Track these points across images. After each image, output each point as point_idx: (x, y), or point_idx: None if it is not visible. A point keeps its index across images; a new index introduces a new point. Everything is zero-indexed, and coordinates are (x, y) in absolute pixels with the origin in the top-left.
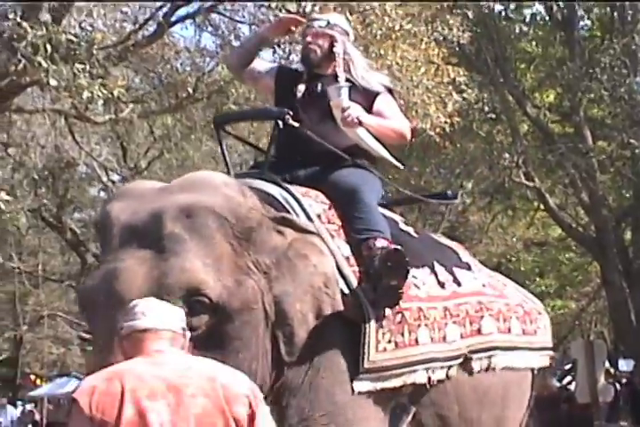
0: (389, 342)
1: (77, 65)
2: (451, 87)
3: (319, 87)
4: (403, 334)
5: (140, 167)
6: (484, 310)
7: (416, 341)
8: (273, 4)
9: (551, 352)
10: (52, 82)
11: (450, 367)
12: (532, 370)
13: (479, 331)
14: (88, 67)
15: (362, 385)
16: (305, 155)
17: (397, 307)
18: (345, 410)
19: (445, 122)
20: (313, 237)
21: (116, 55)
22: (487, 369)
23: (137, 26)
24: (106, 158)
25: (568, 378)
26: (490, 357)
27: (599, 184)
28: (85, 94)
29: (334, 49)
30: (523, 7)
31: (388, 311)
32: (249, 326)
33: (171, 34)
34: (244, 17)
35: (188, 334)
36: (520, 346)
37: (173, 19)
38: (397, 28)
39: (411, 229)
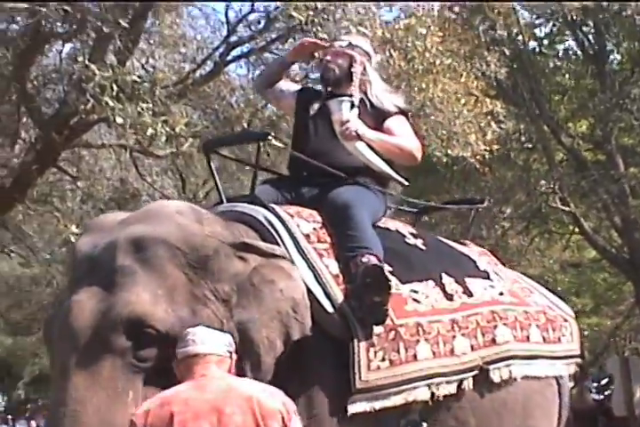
0: (383, 360)
1: (141, 104)
2: (489, 118)
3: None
4: (398, 351)
5: (198, 197)
6: (497, 319)
7: (414, 357)
8: None
9: (578, 360)
10: (118, 119)
11: (462, 381)
12: (558, 378)
13: (494, 341)
14: (151, 105)
15: (356, 407)
16: (309, 174)
17: (390, 324)
18: None
19: (485, 150)
20: (281, 262)
21: (176, 93)
22: (507, 379)
23: (195, 65)
24: (167, 189)
25: (606, 392)
26: (508, 366)
27: (631, 208)
28: (149, 131)
29: (352, 69)
30: (555, 43)
31: (379, 329)
32: None
33: (226, 72)
34: None
35: (235, 356)
36: (541, 354)
37: (229, 58)
38: (438, 63)
39: (419, 242)
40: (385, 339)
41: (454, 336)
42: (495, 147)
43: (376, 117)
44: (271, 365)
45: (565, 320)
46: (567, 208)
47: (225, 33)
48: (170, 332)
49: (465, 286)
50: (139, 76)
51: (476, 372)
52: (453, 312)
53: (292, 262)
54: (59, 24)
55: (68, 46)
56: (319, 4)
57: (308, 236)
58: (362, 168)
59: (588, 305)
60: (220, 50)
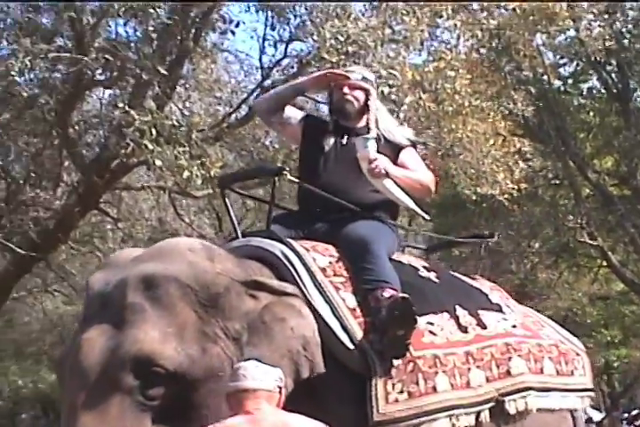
0: (401, 392)
1: (179, 147)
2: (517, 156)
3: (346, 140)
4: (417, 383)
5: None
6: (511, 351)
7: (434, 388)
8: None
9: (591, 393)
10: (157, 162)
11: (479, 413)
12: (572, 411)
13: (508, 373)
14: (188, 148)
15: None
16: (323, 209)
17: (408, 356)
18: None
19: (513, 188)
20: (292, 300)
21: (212, 136)
22: (523, 412)
23: (230, 109)
24: (204, 229)
25: (636, 422)
26: (524, 398)
27: None
28: (186, 173)
29: (369, 103)
30: (580, 82)
31: (397, 361)
32: (217, 394)
33: None
34: (325, 97)
35: (284, 391)
36: (555, 387)
37: None
38: (467, 104)
39: (432, 275)
40: (403, 371)
41: (469, 369)
42: (523, 185)
43: (390, 151)
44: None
45: (577, 354)
46: (595, 242)
47: (259, 77)
48: (178, 370)
49: (479, 318)
50: (176, 121)
51: (492, 404)
52: (468, 344)
53: (307, 298)
54: (99, 72)
55: (108, 92)
56: (350, 48)
57: (324, 269)
58: (378, 203)
59: (617, 337)
60: (255, 93)
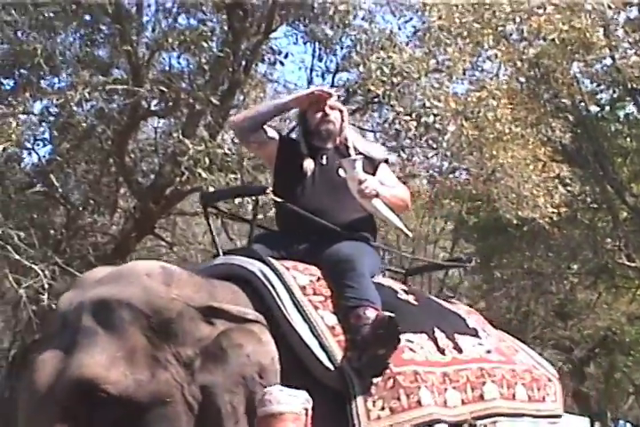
0: (382, 409)
1: (230, 174)
2: (556, 181)
3: (324, 160)
4: (399, 399)
5: None
6: (485, 376)
7: (419, 402)
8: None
9: (559, 420)
10: (210, 189)
11: None
12: None
13: (482, 397)
14: (239, 175)
15: None
16: (305, 229)
17: (388, 372)
18: None
19: (553, 212)
20: (252, 326)
21: (262, 164)
22: None
23: None
24: None
25: None
26: (494, 423)
27: None
28: (237, 199)
29: (343, 123)
30: (617, 108)
31: (376, 379)
32: (164, 420)
33: None
34: (372, 126)
35: (310, 412)
36: (526, 413)
37: None
38: (507, 131)
39: (410, 297)
40: (383, 388)
41: (446, 389)
42: (563, 209)
43: (368, 167)
44: None
45: (549, 380)
46: (632, 264)
47: None
48: (123, 395)
49: (455, 341)
50: (228, 149)
51: (466, 426)
52: (445, 366)
53: (285, 317)
54: (155, 102)
55: (162, 122)
56: (395, 79)
57: (304, 288)
58: (360, 224)
59: None
60: None
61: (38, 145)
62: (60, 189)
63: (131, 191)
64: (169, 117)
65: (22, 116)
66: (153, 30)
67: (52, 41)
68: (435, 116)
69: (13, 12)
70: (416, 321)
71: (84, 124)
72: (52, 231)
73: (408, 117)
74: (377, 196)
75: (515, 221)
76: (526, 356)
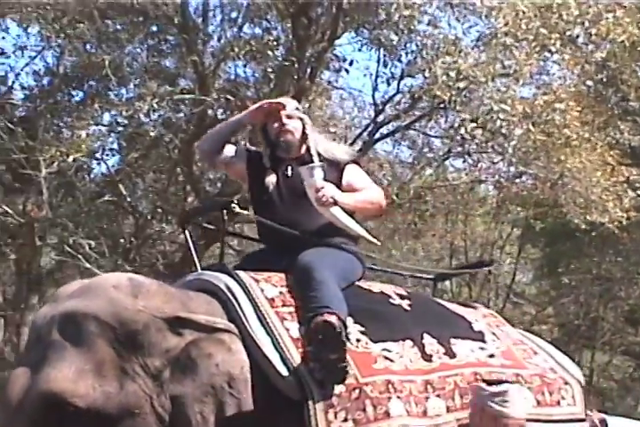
0: (345, 420)
1: None
2: (626, 185)
3: (289, 171)
4: (364, 410)
5: None
6: (479, 381)
7: (387, 413)
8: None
9: (582, 424)
10: None
11: None
12: None
13: None
14: None
15: None
16: (281, 242)
17: (354, 382)
18: None
19: (622, 216)
20: (222, 335)
21: None
22: None
23: (345, 144)
24: None
25: None
26: None
27: None
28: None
29: (306, 131)
30: None
31: (340, 389)
32: None
33: (373, 149)
34: (436, 132)
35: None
36: (533, 418)
37: (376, 136)
38: (575, 135)
39: (405, 302)
40: (347, 398)
41: (427, 397)
42: (632, 213)
43: (333, 169)
44: None
45: (566, 383)
46: None
47: (372, 113)
48: (91, 407)
49: (449, 347)
50: None
51: None
52: (430, 373)
53: (247, 331)
54: (220, 111)
55: None
56: (461, 84)
57: (272, 300)
58: (335, 230)
59: None
60: (369, 129)
61: (107, 155)
62: (128, 199)
63: (198, 200)
64: None
65: (91, 128)
66: (218, 40)
67: (119, 52)
68: (501, 120)
69: (81, 25)
70: (401, 328)
71: (152, 134)
72: (121, 240)
73: (474, 124)
74: (335, 203)
75: (583, 226)
76: (545, 359)
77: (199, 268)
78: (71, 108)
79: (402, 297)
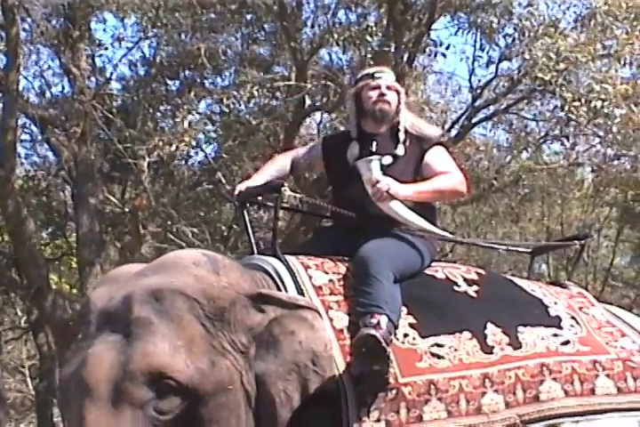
0: (378, 420)
1: None
2: None
3: (374, 147)
4: (398, 412)
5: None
6: (545, 373)
7: (419, 418)
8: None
9: None
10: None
11: None
12: None
13: (536, 398)
14: None
15: None
16: (347, 224)
17: (393, 382)
18: None
19: None
20: (304, 312)
21: None
22: None
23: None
24: None
25: None
26: (553, 426)
27: None
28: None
29: (400, 105)
30: None
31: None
32: (225, 408)
33: (471, 133)
34: (534, 115)
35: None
36: (613, 407)
37: (474, 121)
38: None
39: (472, 289)
40: (383, 398)
41: (484, 393)
42: None
43: (418, 147)
44: (286, 419)
45: None
46: None
47: (469, 97)
48: (189, 384)
49: (515, 336)
50: None
51: None
52: (488, 366)
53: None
54: (318, 97)
55: (325, 116)
56: (561, 65)
57: (320, 287)
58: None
59: None
60: (467, 113)
61: (205, 143)
62: (227, 186)
63: (297, 186)
64: (334, 112)
65: (190, 116)
66: (312, 26)
67: (214, 41)
68: (603, 101)
69: (177, 14)
70: (459, 318)
71: (253, 122)
72: (222, 227)
73: (577, 103)
74: (393, 197)
75: None
76: (634, 340)
77: (255, 250)
78: (168, 97)
79: (470, 282)
